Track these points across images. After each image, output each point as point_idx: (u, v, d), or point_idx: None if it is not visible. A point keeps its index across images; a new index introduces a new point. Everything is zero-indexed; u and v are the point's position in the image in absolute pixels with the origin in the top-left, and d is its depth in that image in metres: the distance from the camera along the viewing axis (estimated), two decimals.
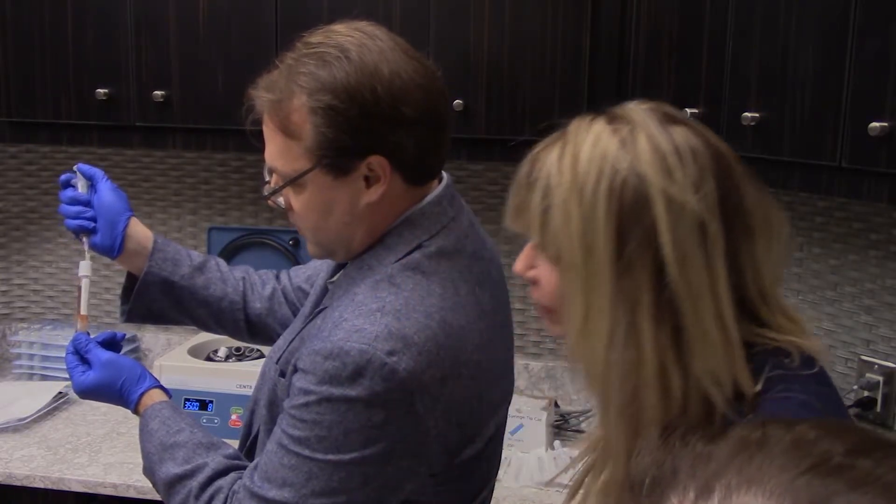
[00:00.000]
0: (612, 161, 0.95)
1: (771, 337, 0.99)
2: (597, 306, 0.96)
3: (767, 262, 1.00)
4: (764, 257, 0.99)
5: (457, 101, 1.99)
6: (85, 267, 1.50)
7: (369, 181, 1.22)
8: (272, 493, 1.18)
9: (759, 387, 0.95)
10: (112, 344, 1.48)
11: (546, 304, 1.06)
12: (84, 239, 1.48)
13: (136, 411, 1.40)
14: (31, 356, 2.62)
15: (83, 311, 1.49)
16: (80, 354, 1.43)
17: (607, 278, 0.95)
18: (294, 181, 1.22)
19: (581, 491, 1.10)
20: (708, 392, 0.95)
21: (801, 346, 0.99)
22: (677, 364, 0.95)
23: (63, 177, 1.50)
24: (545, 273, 1.04)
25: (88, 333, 1.46)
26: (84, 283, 1.50)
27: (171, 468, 1.29)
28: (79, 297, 1.50)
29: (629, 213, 0.94)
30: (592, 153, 0.97)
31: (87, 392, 1.42)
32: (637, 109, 1.00)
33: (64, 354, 1.46)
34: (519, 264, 1.07)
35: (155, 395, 1.40)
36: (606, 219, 0.95)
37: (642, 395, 0.96)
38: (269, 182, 1.29)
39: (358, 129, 1.18)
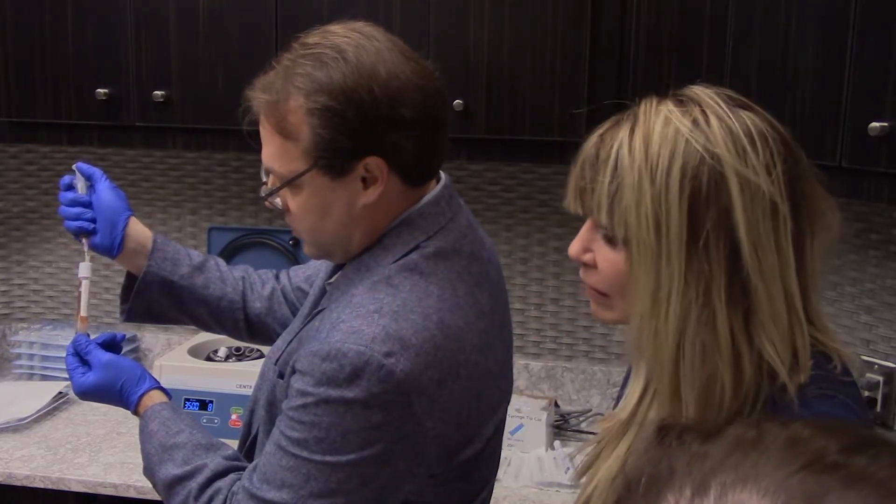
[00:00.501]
0: (686, 141, 0.94)
1: (816, 338, 0.99)
2: (668, 288, 0.95)
3: (819, 255, 0.99)
4: (818, 248, 0.99)
5: (457, 101, 1.99)
6: (85, 268, 1.50)
7: (366, 182, 1.21)
8: (271, 495, 1.18)
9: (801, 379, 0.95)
10: (112, 345, 1.48)
11: (601, 289, 1.04)
12: (84, 240, 1.48)
13: (136, 412, 1.40)
14: (31, 356, 2.62)
15: (83, 313, 1.49)
16: (80, 356, 1.43)
17: (680, 259, 0.94)
18: (291, 182, 1.22)
19: (590, 471, 1.09)
20: (776, 371, 0.94)
21: (841, 353, 0.99)
22: (748, 346, 0.95)
23: (64, 180, 1.50)
24: (604, 256, 1.02)
25: (88, 335, 1.46)
26: (84, 285, 1.50)
27: (171, 469, 1.29)
28: (79, 298, 1.50)
29: (705, 193, 0.93)
30: (664, 133, 0.95)
31: (87, 393, 1.42)
32: (704, 92, 0.99)
33: (64, 355, 1.47)
34: (574, 247, 1.04)
35: (155, 397, 1.40)
36: (680, 199, 0.94)
37: (720, 378, 0.95)
38: (266, 183, 1.29)
39: (355, 130, 1.18)
